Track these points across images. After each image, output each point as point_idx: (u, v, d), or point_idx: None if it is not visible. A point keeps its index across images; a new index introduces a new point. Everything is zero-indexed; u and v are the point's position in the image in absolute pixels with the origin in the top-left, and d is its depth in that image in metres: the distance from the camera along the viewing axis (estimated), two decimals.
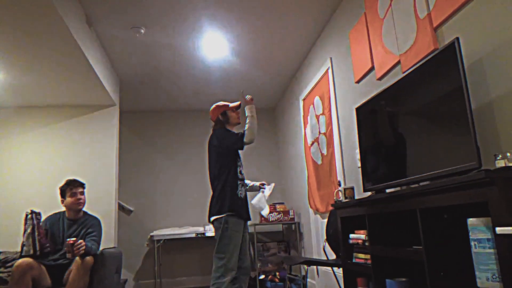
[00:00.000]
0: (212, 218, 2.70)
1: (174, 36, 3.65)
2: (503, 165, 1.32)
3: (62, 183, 3.14)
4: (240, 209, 2.71)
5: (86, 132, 4.32)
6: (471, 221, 1.34)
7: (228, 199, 2.67)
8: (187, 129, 5.73)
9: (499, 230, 1.17)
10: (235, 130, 2.95)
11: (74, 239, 2.68)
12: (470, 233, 1.35)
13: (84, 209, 3.22)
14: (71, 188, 3.07)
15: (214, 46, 3.89)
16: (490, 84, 1.68)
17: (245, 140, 2.73)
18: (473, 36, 1.77)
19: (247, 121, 2.78)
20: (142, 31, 3.48)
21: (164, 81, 4.68)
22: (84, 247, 2.70)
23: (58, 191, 3.14)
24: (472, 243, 1.34)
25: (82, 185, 3.15)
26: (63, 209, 3.14)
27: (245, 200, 2.80)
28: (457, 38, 1.59)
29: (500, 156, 1.34)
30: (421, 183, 1.83)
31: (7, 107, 4.26)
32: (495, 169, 1.22)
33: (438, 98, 1.72)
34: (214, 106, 2.97)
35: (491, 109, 1.67)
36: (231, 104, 3.00)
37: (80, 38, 3.05)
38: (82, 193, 3.13)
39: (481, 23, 1.72)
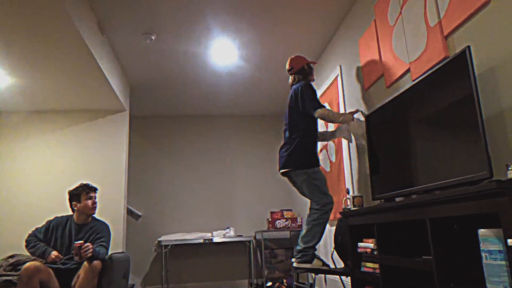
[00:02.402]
0: (298, 170, 2.76)
1: (184, 42, 3.69)
2: None
3: (74, 186, 3.16)
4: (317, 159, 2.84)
5: (96, 137, 4.36)
6: (482, 232, 1.32)
7: (311, 152, 2.79)
8: (196, 134, 5.75)
9: (510, 241, 1.15)
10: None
11: (81, 242, 2.70)
12: (481, 244, 1.33)
13: None
14: (88, 192, 3.09)
15: (223, 52, 3.91)
16: (501, 93, 1.66)
17: (317, 113, 2.75)
18: (485, 44, 1.75)
19: (335, 113, 2.79)
20: (153, 37, 3.52)
21: (174, 87, 4.71)
22: (91, 250, 2.72)
23: (68, 195, 3.14)
24: (483, 255, 1.32)
25: (96, 189, 3.19)
26: (70, 213, 3.16)
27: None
28: (468, 47, 1.58)
29: None
30: (431, 192, 1.81)
31: (20, 112, 4.32)
32: (507, 180, 1.20)
33: (449, 107, 1.71)
34: (295, 56, 3.02)
35: (502, 118, 1.65)
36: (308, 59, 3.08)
37: (93, 45, 3.09)
38: (95, 197, 3.17)
39: (493, 32, 1.70)
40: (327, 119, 2.78)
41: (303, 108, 2.80)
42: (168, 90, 4.79)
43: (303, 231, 2.73)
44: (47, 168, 4.21)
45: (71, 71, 3.40)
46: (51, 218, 3.18)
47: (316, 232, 2.67)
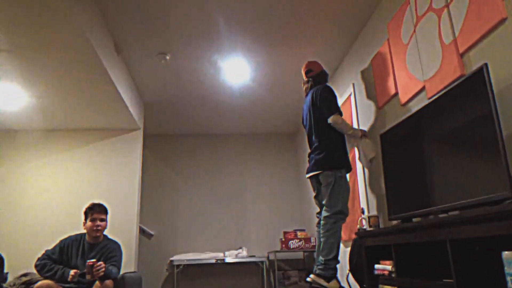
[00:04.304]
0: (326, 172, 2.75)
1: (198, 62, 3.74)
2: None
3: (87, 205, 3.16)
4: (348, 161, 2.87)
5: (110, 155, 4.40)
6: (506, 254, 1.27)
7: (341, 153, 2.80)
8: (209, 153, 5.76)
9: None
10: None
11: (94, 260, 2.69)
12: (505, 267, 1.27)
13: (105, 232, 3.23)
14: (92, 213, 3.07)
15: (236, 71, 3.95)
16: None
17: (331, 119, 2.78)
18: (502, 62, 1.73)
19: (347, 125, 2.82)
20: (168, 57, 3.58)
21: (187, 105, 4.76)
22: (103, 269, 2.70)
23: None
24: (508, 278, 1.26)
25: (104, 210, 3.12)
26: (84, 231, 3.16)
27: None
28: (486, 64, 1.56)
29: None
30: (450, 213, 1.76)
31: (36, 131, 4.40)
32: None
33: (467, 125, 1.67)
34: (312, 60, 3.13)
35: None
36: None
37: (109, 65, 3.16)
38: (103, 219, 3.09)
39: (510, 49, 1.68)
40: (337, 127, 2.79)
41: (321, 111, 2.83)
42: (181, 108, 4.84)
43: (320, 245, 2.69)
44: (62, 187, 4.25)
45: (87, 90, 3.47)
46: (65, 237, 3.17)
47: (333, 243, 2.64)
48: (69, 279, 2.81)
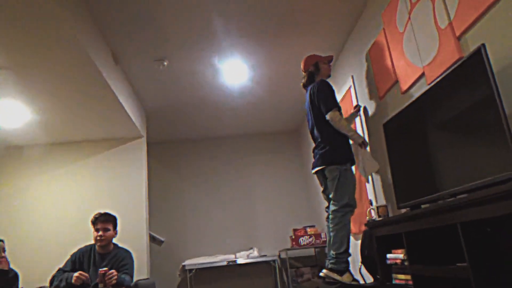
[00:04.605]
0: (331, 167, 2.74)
1: (196, 66, 3.74)
2: None
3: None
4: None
5: (115, 165, 4.42)
6: None
7: (344, 148, 2.78)
8: (214, 156, 5.77)
9: None
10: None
11: (106, 269, 2.69)
12: None
13: (116, 241, 3.22)
14: (95, 224, 3.04)
15: (235, 72, 3.95)
16: None
17: (328, 116, 2.76)
18: (500, 41, 1.72)
19: (345, 124, 2.78)
20: (165, 63, 3.59)
21: (189, 110, 4.77)
22: (116, 277, 2.70)
23: None
24: None
25: (108, 220, 3.06)
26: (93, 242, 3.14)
27: None
28: (483, 45, 1.56)
29: None
30: (458, 196, 1.76)
31: (40, 145, 4.42)
32: None
33: (469, 108, 1.67)
34: (306, 56, 3.04)
35: None
36: (324, 55, 3.06)
37: (108, 74, 3.17)
38: (107, 229, 3.03)
39: (508, 28, 1.67)
40: (334, 126, 2.76)
41: (319, 107, 2.82)
42: (183, 113, 4.85)
43: (330, 239, 2.69)
44: (70, 199, 4.27)
45: (88, 102, 3.48)
46: (75, 250, 3.13)
47: (343, 236, 2.63)
48: (73, 281, 2.75)
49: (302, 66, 3.07)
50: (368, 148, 2.95)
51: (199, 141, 5.81)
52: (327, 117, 2.76)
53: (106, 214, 3.10)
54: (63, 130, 4.10)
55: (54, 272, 3.00)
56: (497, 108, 1.48)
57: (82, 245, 3.30)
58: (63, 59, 2.77)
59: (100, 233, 3.00)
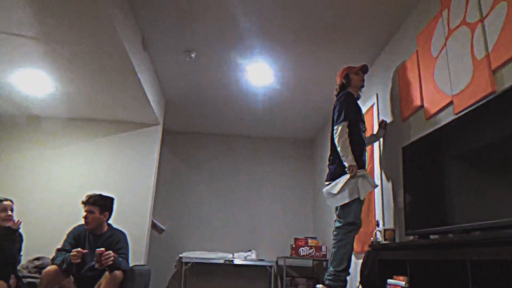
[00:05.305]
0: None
1: (223, 62, 3.75)
2: None
3: None
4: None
5: (128, 148, 4.45)
6: None
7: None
8: (226, 153, 5.77)
9: None
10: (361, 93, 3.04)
11: (103, 249, 2.69)
12: None
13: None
14: (84, 206, 3.01)
15: (260, 74, 3.94)
16: None
17: (335, 128, 2.73)
18: None
19: (345, 149, 2.68)
20: (193, 55, 3.60)
21: (208, 104, 4.78)
22: (112, 258, 2.71)
23: None
24: None
25: (93, 203, 2.99)
26: None
27: None
28: None
29: None
30: (470, 233, 1.71)
31: (58, 118, 4.49)
32: None
33: (495, 144, 1.62)
34: (344, 66, 3.03)
35: None
36: (355, 66, 3.03)
37: (135, 59, 3.20)
38: (91, 211, 2.97)
39: None
40: (335, 139, 2.73)
41: (333, 120, 2.82)
42: (202, 107, 4.86)
43: (331, 255, 2.66)
44: (78, 175, 4.31)
45: (112, 82, 3.52)
46: (70, 229, 3.09)
47: (344, 254, 2.59)
48: (72, 261, 2.72)
49: (337, 81, 3.06)
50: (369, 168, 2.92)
51: (213, 136, 5.82)
52: (334, 129, 2.75)
53: (94, 196, 3.04)
54: (83, 106, 4.15)
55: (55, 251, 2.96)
56: None
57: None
58: (93, 35, 2.79)
59: (84, 214, 2.98)
